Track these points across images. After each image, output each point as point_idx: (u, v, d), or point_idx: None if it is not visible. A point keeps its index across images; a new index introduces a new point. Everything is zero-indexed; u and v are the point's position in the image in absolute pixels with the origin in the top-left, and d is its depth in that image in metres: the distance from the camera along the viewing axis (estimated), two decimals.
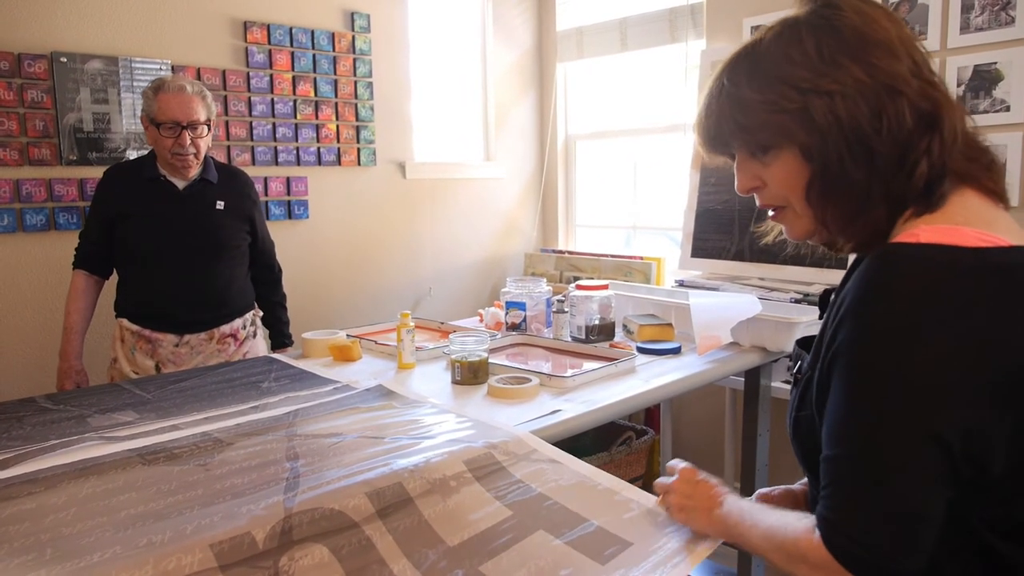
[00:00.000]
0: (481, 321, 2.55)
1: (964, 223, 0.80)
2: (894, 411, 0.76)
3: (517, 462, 1.33)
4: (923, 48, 0.87)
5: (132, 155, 2.55)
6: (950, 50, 2.37)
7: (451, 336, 1.89)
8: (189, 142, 2.07)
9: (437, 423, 1.47)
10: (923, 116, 0.82)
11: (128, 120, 2.58)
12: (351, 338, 2.14)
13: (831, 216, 0.88)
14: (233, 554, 1.00)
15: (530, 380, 1.74)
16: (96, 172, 2.42)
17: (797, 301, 2.33)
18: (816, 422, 0.88)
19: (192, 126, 2.07)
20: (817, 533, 0.82)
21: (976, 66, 2.32)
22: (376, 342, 2.16)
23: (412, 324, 1.98)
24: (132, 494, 1.15)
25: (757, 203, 0.98)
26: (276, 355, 2.17)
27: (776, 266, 2.66)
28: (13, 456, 1.31)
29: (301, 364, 2.00)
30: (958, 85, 2.36)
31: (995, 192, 0.87)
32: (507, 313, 2.36)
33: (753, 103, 0.87)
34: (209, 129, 2.15)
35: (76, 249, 2.21)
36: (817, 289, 2.50)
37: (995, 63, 2.28)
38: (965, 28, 2.33)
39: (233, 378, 1.85)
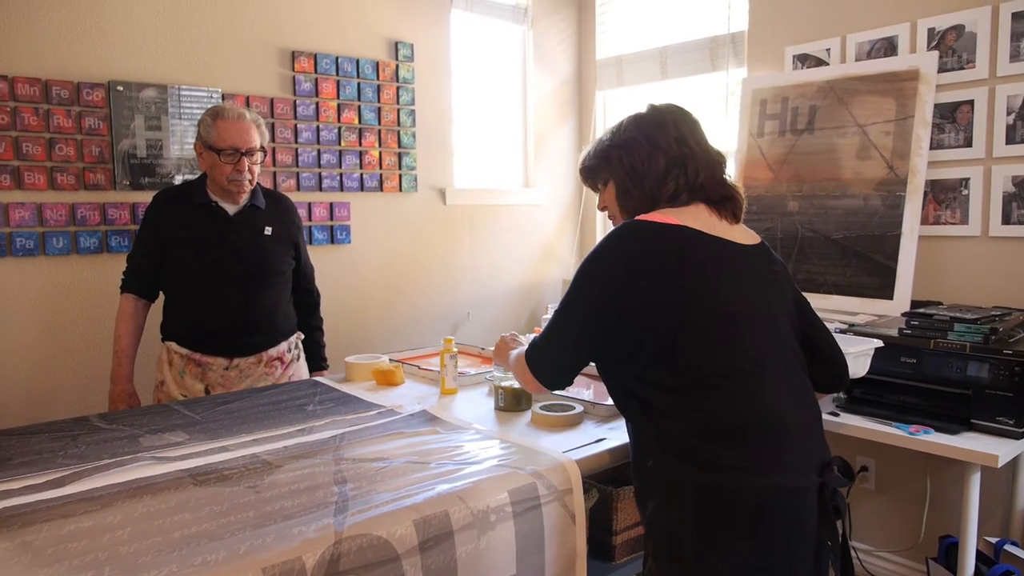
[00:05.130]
0: None
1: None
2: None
3: (551, 501, 1.34)
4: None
5: (180, 180, 2.62)
6: (999, 78, 2.34)
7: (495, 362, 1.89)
8: (246, 168, 2.12)
9: (482, 449, 1.47)
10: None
11: (178, 146, 2.65)
12: (394, 363, 2.15)
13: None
14: None
15: (574, 408, 1.73)
16: (147, 197, 2.48)
17: (843, 331, 2.30)
18: None
19: (250, 152, 2.13)
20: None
21: None
22: (419, 367, 2.17)
23: (455, 350, 1.99)
24: (185, 514, 1.17)
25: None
26: (319, 378, 2.19)
27: (820, 295, 2.63)
28: (69, 474, 1.34)
29: (344, 388, 2.02)
30: (1008, 113, 2.32)
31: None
32: None
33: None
34: (264, 155, 2.20)
35: (124, 273, 2.25)
36: (862, 319, 2.46)
37: None
38: (1015, 56, 2.30)
39: (279, 400, 1.87)
